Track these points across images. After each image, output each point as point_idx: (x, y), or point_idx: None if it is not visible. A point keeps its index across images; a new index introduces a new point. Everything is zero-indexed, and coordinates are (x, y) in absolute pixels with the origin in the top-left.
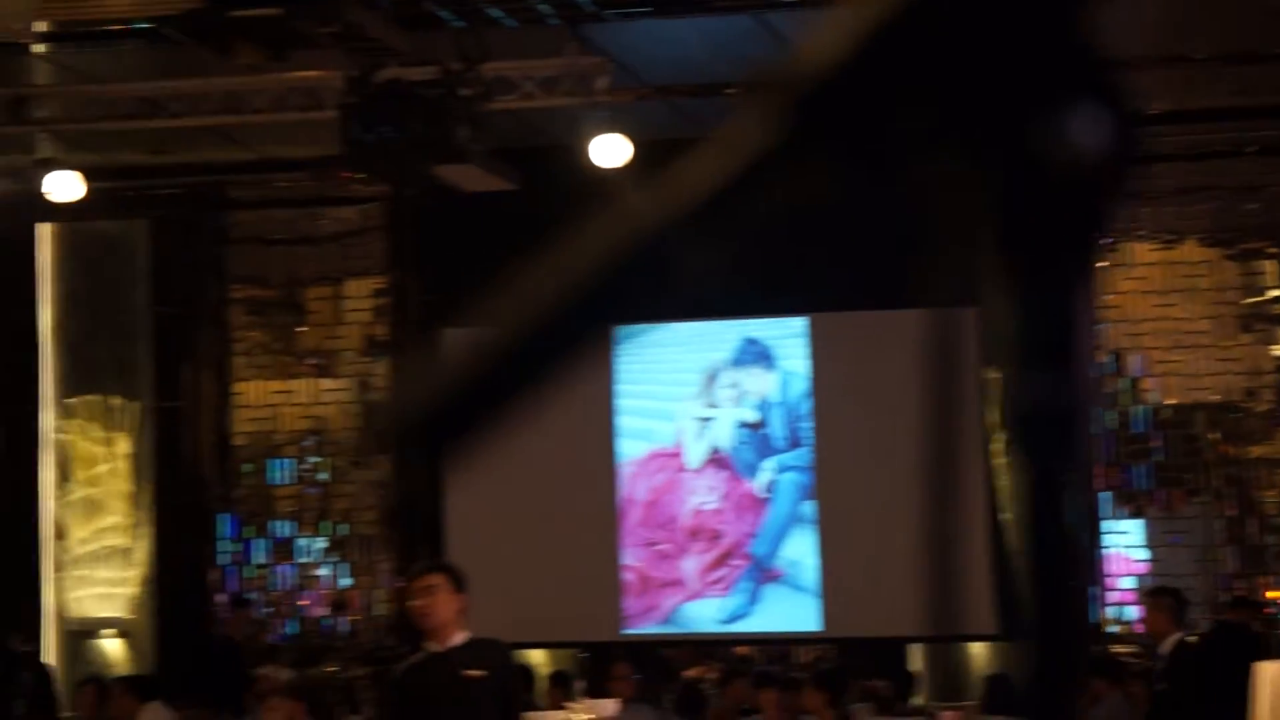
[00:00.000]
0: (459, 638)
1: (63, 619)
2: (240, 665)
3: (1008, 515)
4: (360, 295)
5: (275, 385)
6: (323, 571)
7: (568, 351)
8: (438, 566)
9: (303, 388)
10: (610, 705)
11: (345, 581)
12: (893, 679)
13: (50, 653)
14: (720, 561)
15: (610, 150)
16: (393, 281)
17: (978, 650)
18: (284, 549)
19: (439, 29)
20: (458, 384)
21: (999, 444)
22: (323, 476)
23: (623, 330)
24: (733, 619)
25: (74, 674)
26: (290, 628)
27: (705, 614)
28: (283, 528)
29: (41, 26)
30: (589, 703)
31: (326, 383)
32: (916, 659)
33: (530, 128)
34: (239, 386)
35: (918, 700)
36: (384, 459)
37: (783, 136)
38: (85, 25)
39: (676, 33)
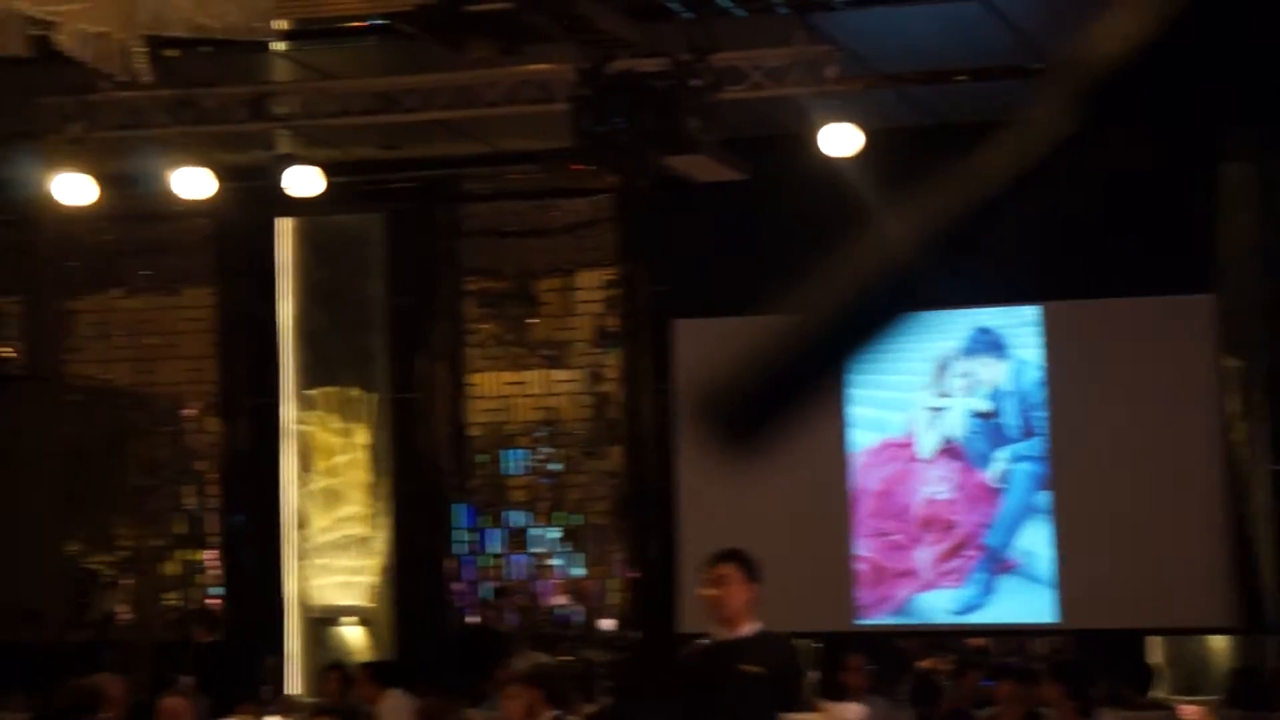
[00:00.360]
0: (748, 628)
1: (305, 606)
2: (501, 654)
3: (1253, 505)
4: (591, 286)
5: (508, 376)
6: (556, 561)
7: (868, 339)
8: (730, 556)
9: (535, 379)
10: (854, 709)
11: (578, 571)
12: (1131, 672)
13: (294, 639)
14: (954, 552)
15: (840, 139)
16: (623, 272)
17: (1218, 643)
18: (518, 538)
19: (669, 20)
20: (760, 371)
21: (1241, 432)
22: (555, 467)
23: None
24: (967, 610)
25: (315, 661)
26: (522, 617)
27: (939, 605)
28: (517, 517)
29: (281, 25)
30: (830, 705)
31: (558, 374)
32: (1156, 651)
33: (760, 117)
34: (473, 378)
35: (1158, 694)
36: (617, 449)
37: (1076, 125)
38: (323, 22)
39: (906, 19)
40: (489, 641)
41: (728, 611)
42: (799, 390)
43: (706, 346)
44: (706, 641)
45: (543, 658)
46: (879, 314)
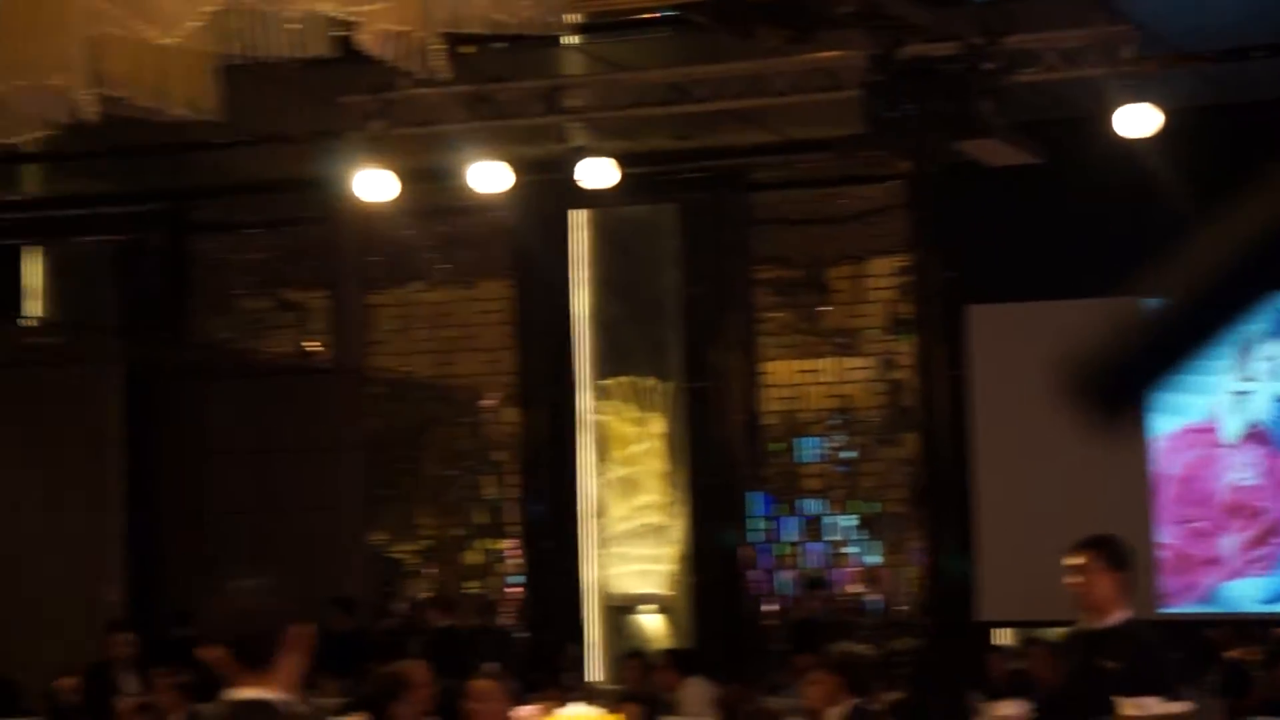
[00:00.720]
0: (1115, 617)
1: (604, 594)
2: (814, 642)
3: None
4: (883, 273)
5: (801, 364)
6: (852, 549)
7: (1233, 318)
8: (1092, 544)
9: (828, 366)
10: (1152, 703)
11: (875, 559)
12: None
13: (593, 627)
14: (1261, 539)
15: (1137, 120)
16: (915, 258)
17: None
18: (813, 527)
19: (960, 4)
20: (1129, 349)
21: None
22: (849, 455)
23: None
24: (1276, 599)
25: (614, 648)
26: (820, 605)
27: (1246, 593)
28: (811, 505)
29: (575, 18)
30: (1127, 701)
31: (851, 361)
32: None
33: (1053, 99)
34: (766, 366)
35: None
36: (911, 437)
37: None
38: (615, 15)
39: None
40: (803, 630)
41: (1089, 601)
42: (1164, 366)
43: (1000, 332)
44: (1077, 627)
45: (856, 647)
46: (1243, 294)
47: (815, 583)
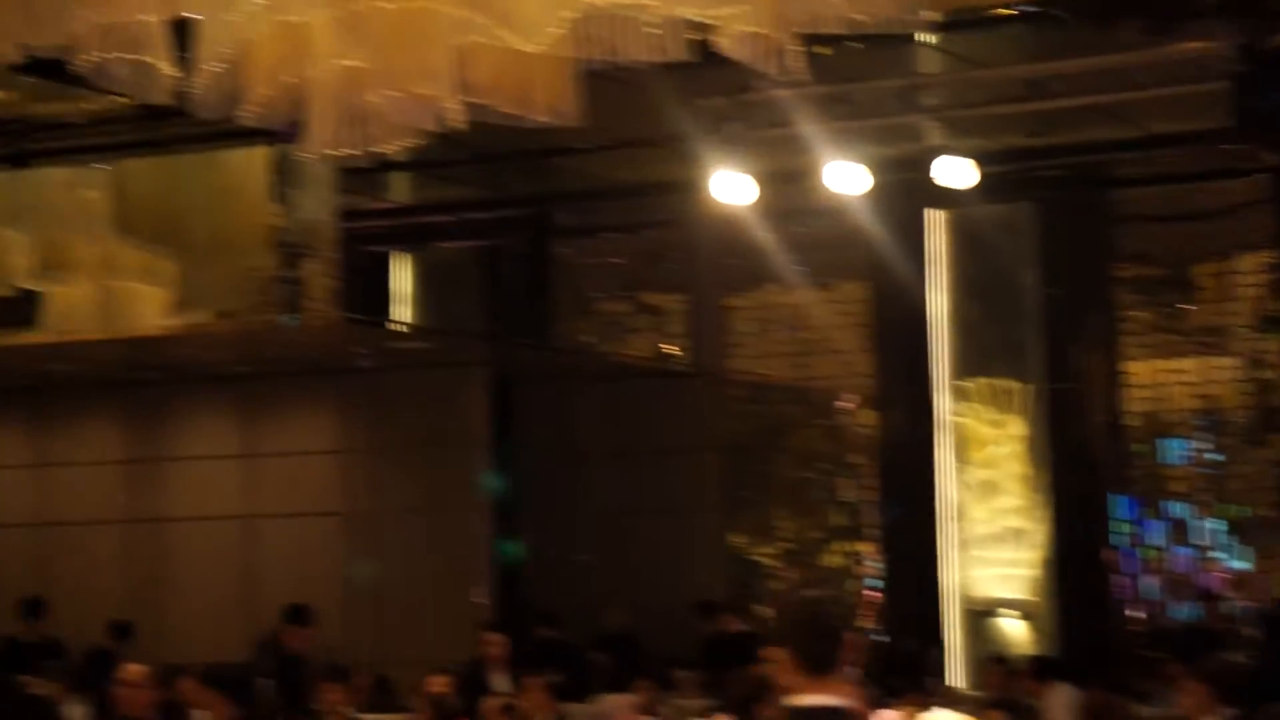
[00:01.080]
0: None
1: (964, 597)
2: (1194, 651)
3: None
4: (1250, 270)
5: (1164, 364)
6: (1220, 554)
7: None
8: None
9: (1192, 366)
10: None
11: (1243, 564)
12: None
13: (954, 630)
14: None
15: None
16: None
17: None
18: (1180, 530)
19: None
20: None
21: None
22: (1216, 457)
23: None
24: None
25: (974, 652)
26: (1188, 611)
27: None
28: (1177, 508)
29: (931, 16)
30: None
31: (1217, 361)
32: None
33: None
34: (1128, 366)
35: None
36: None
37: None
38: (972, 12)
39: None
40: (1185, 638)
41: None
42: None
43: None
44: None
45: (1230, 655)
46: None
47: (1206, 595)
